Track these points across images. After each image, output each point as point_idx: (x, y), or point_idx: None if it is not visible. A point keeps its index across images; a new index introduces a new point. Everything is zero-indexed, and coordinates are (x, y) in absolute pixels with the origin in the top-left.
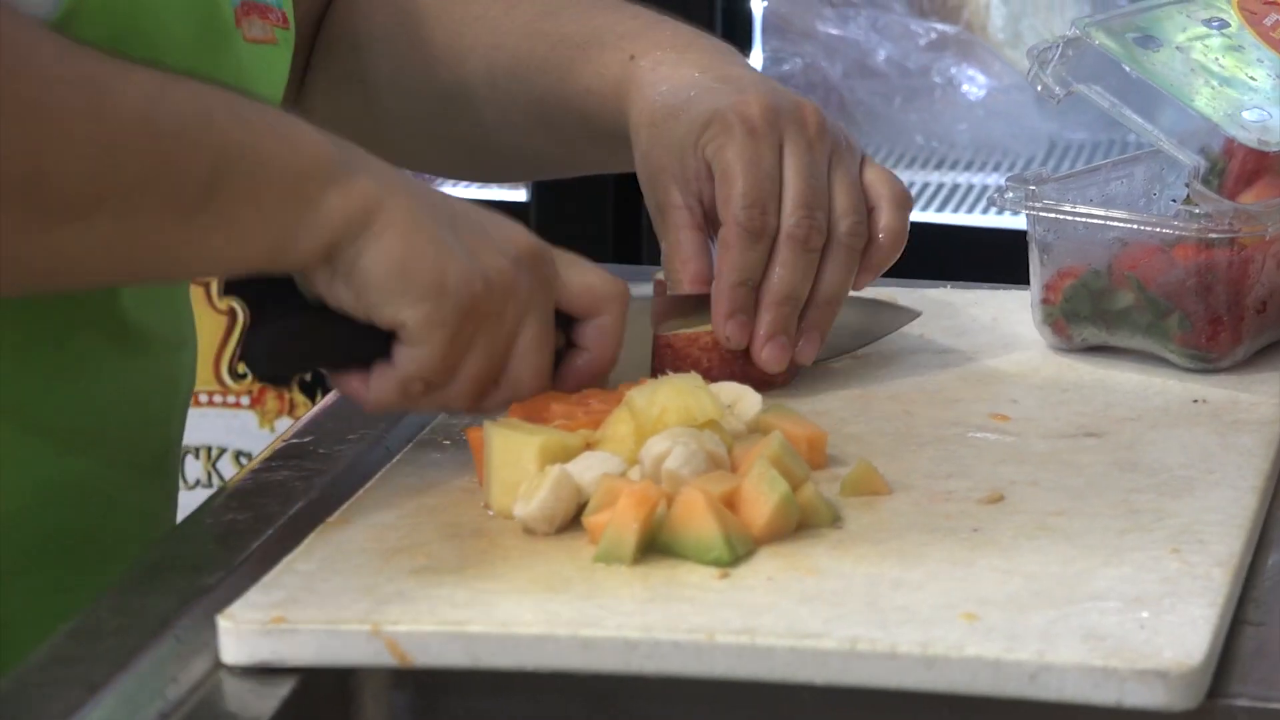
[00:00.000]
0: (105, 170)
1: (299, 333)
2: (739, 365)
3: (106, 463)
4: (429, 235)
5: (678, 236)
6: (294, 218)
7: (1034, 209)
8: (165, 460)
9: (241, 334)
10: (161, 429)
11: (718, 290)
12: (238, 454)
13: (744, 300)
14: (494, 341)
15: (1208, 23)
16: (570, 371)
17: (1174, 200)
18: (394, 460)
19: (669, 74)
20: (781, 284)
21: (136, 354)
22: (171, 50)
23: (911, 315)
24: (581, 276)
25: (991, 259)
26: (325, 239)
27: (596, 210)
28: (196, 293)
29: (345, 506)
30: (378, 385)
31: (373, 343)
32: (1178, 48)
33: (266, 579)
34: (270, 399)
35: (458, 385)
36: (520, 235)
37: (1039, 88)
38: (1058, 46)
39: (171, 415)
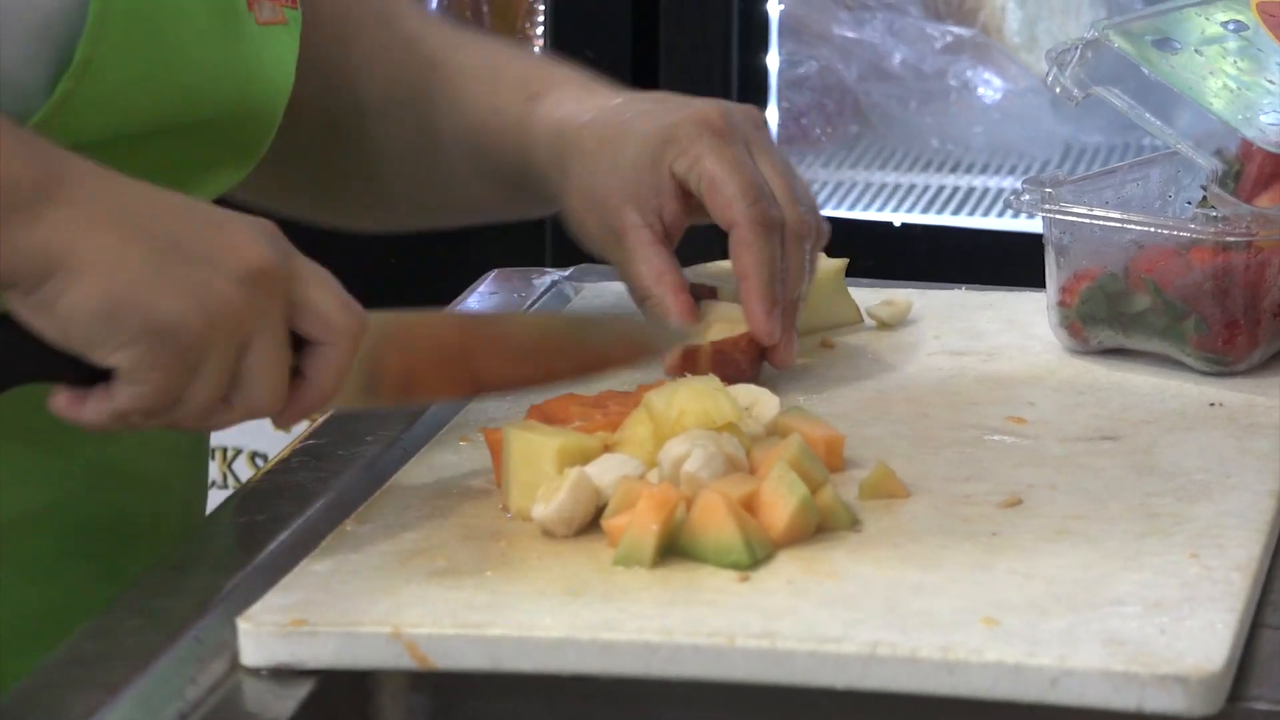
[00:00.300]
0: None
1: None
2: (749, 364)
3: (147, 447)
4: (134, 275)
5: (647, 253)
6: None
7: (1050, 211)
8: (200, 445)
9: None
10: None
11: (755, 289)
12: (253, 455)
13: (777, 295)
14: (218, 369)
15: (1226, 25)
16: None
17: (1189, 203)
18: (411, 461)
19: (576, 109)
20: (794, 281)
21: None
22: (193, 38)
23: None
24: (320, 301)
25: (1007, 262)
26: (3, 269)
27: None
28: None
29: (363, 508)
30: (93, 411)
31: (85, 366)
32: (1195, 50)
33: (285, 581)
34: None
35: (182, 411)
36: (254, 251)
37: (1057, 90)
38: (1076, 49)
39: None
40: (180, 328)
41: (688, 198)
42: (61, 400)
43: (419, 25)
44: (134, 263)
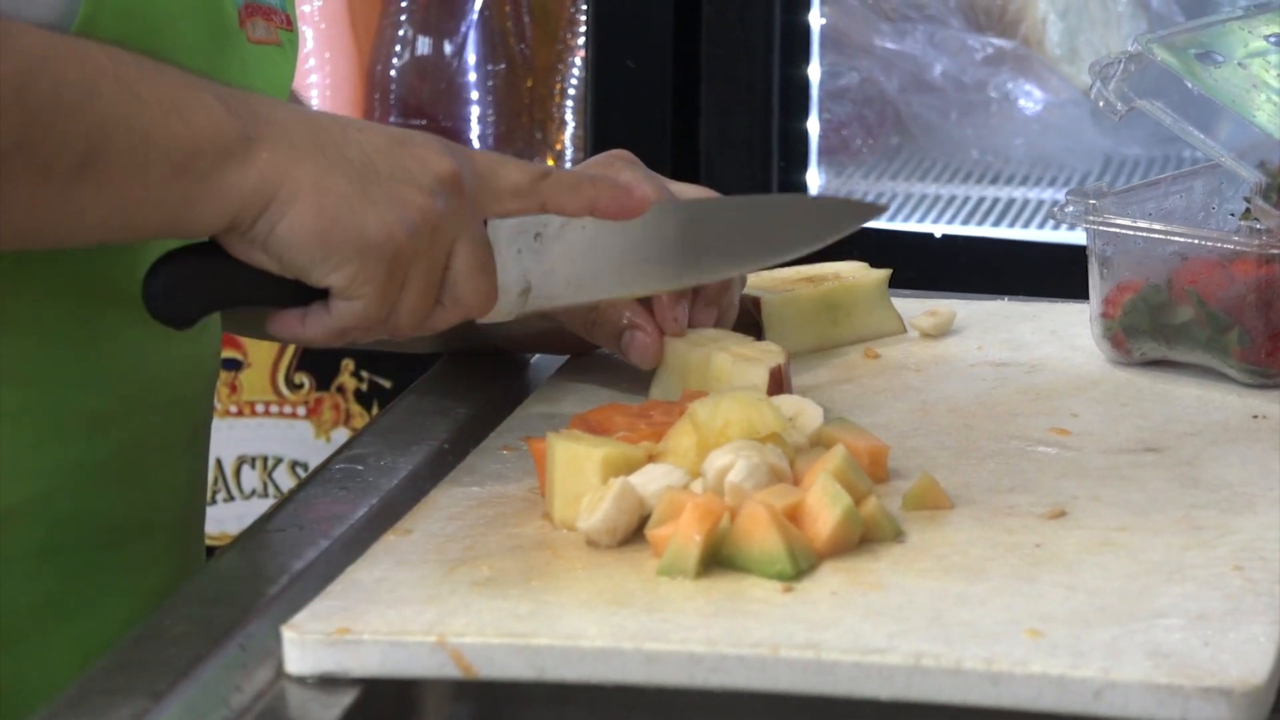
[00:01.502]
0: None
1: (210, 274)
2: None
3: (136, 443)
4: (340, 197)
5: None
6: (186, 193)
7: (1094, 223)
8: (195, 441)
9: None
10: (189, 409)
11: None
12: (294, 464)
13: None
14: (427, 275)
15: (1269, 39)
16: None
17: (1232, 214)
18: (454, 471)
19: None
20: None
21: (160, 335)
22: (182, 53)
23: (874, 210)
24: (505, 179)
25: (1048, 273)
26: (225, 213)
27: None
28: None
29: (406, 517)
30: (314, 329)
31: (297, 287)
32: (1239, 63)
33: (330, 589)
34: (326, 410)
35: (396, 320)
36: (438, 161)
37: (1101, 103)
38: (1120, 62)
39: (199, 396)
40: (387, 241)
41: None
42: (281, 323)
43: None
44: (338, 187)
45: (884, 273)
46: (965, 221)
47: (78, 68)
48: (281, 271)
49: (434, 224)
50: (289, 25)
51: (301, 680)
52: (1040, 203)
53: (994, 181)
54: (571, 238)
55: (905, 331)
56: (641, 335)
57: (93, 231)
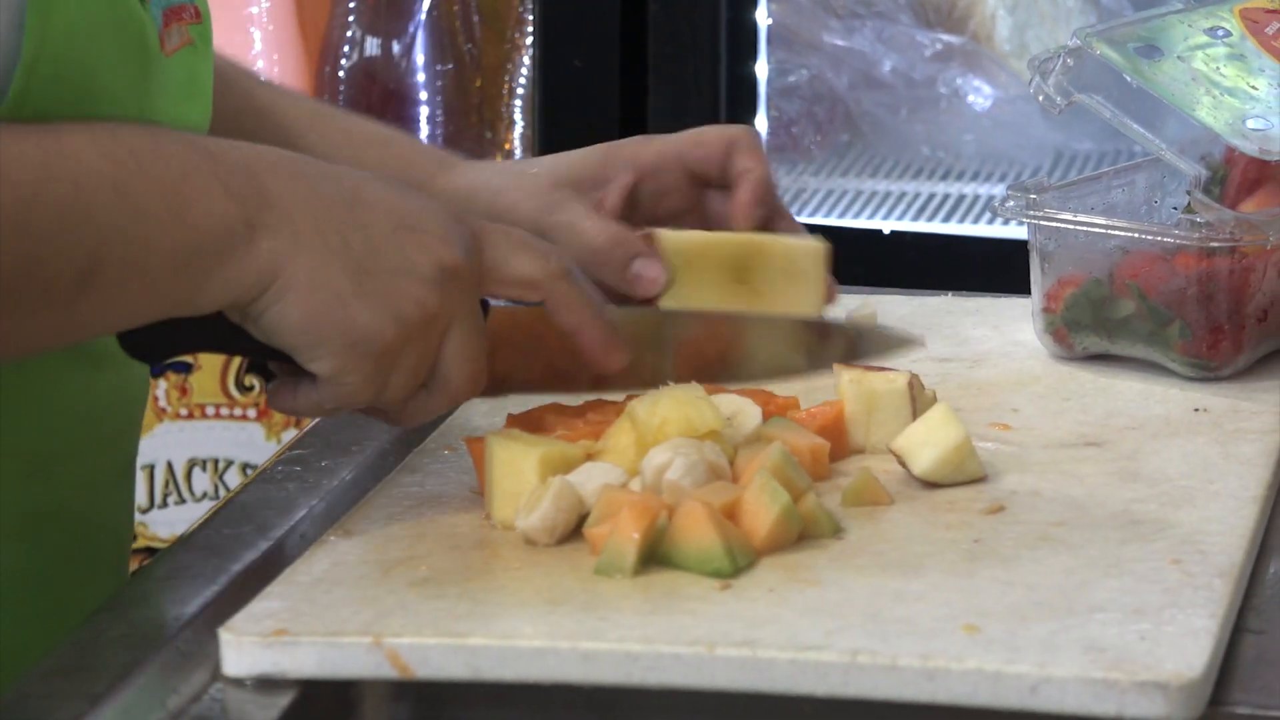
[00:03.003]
0: None
1: (195, 325)
2: None
3: (74, 484)
4: (333, 292)
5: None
6: (188, 289)
7: (1034, 218)
8: (127, 474)
9: None
10: (123, 444)
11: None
12: (244, 466)
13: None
14: (417, 361)
15: (1210, 32)
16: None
17: (1175, 208)
18: (394, 471)
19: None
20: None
21: (94, 370)
22: (121, 97)
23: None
24: (517, 269)
25: (998, 268)
26: (223, 301)
27: None
28: None
29: (346, 518)
30: (303, 402)
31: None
32: (1179, 57)
33: (268, 590)
34: (277, 412)
35: (382, 401)
36: (443, 250)
37: (1040, 98)
38: (1059, 57)
39: (131, 429)
40: (376, 337)
41: None
42: (277, 397)
43: (271, 97)
44: (334, 281)
45: (807, 244)
46: (916, 218)
47: (72, 186)
48: (266, 343)
49: (428, 316)
50: (197, 17)
51: (239, 682)
52: (990, 198)
53: (944, 177)
54: None
55: (820, 315)
56: (654, 267)
57: (94, 333)
